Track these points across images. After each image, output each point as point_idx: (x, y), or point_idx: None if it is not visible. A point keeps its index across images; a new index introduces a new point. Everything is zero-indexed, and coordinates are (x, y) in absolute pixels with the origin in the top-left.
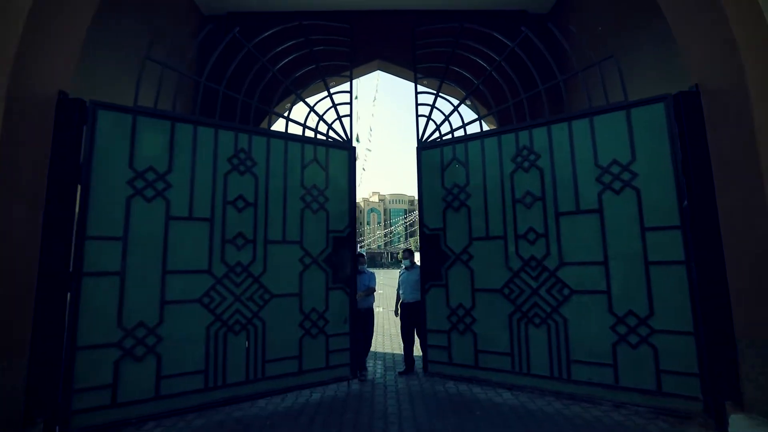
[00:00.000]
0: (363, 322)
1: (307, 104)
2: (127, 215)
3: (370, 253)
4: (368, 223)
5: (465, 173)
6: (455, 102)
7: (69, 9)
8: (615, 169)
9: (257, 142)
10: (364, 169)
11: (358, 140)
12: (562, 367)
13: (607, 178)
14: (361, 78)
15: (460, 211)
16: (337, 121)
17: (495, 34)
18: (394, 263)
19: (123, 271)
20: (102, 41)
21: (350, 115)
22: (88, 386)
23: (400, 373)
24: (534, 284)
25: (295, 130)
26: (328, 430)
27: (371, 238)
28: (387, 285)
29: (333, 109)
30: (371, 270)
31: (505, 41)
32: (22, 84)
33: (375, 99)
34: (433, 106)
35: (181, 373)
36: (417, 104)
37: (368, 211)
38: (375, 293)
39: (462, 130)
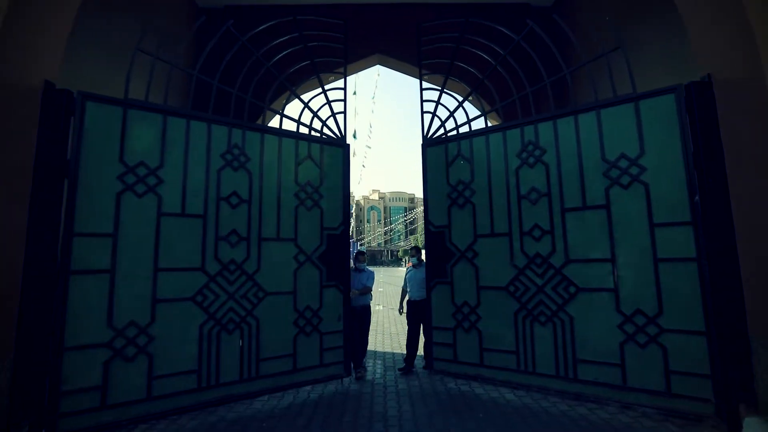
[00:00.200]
0: (359, 320)
1: (302, 100)
2: (117, 211)
3: (371, 251)
4: (368, 221)
5: (470, 169)
6: (460, 98)
7: None
8: (623, 164)
9: (251, 138)
10: (363, 166)
11: (355, 137)
12: (568, 367)
13: (614, 173)
14: (360, 73)
15: (465, 208)
16: (332, 118)
17: (500, 27)
18: (394, 261)
19: (113, 268)
20: (92, 30)
21: (344, 112)
22: (77, 388)
23: (400, 370)
24: (539, 282)
25: (289, 126)
26: None
27: (371, 236)
28: (387, 283)
29: (327, 105)
30: (371, 268)
31: (510, 35)
32: (3, 72)
33: (374, 95)
34: (438, 102)
35: (174, 373)
36: (422, 100)
37: (368, 209)
38: (377, 292)
39: (467, 126)
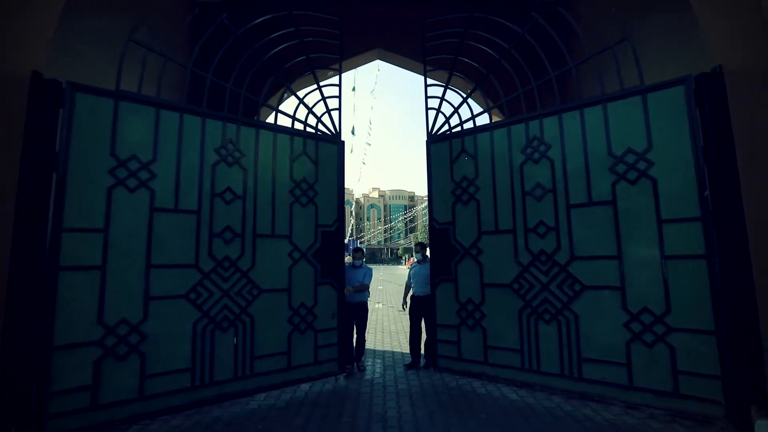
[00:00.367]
0: (356, 317)
1: (296, 96)
2: (108, 206)
3: (371, 248)
4: (368, 219)
5: (474, 166)
6: (464, 95)
7: None
8: (630, 158)
9: (246, 133)
10: (364, 163)
11: (353, 133)
12: (573, 365)
13: (621, 168)
14: (360, 69)
15: (469, 205)
16: (327, 114)
17: (504, 21)
18: (394, 259)
19: (104, 265)
20: (83, 20)
21: (339, 109)
22: (66, 388)
23: (407, 366)
24: (544, 279)
25: (285, 123)
26: None
27: (371, 234)
28: (387, 281)
29: (323, 102)
30: (371, 266)
31: (515, 28)
32: None
33: (374, 91)
34: (442, 99)
35: (167, 371)
36: (426, 97)
37: (368, 206)
38: (377, 289)
39: (471, 122)
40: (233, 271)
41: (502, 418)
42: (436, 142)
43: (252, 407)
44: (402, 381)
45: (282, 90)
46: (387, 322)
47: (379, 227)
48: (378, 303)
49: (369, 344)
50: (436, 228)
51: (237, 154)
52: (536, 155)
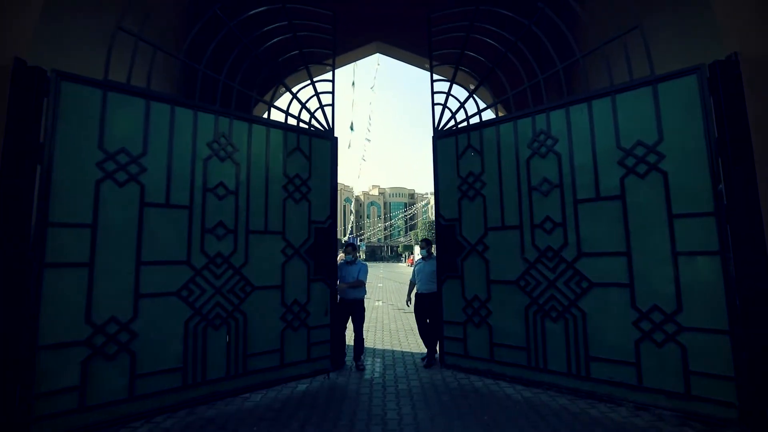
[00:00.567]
0: (351, 314)
1: (290, 91)
2: (96, 200)
3: (371, 246)
4: (368, 217)
5: (480, 161)
6: (470, 89)
7: None
8: (639, 151)
9: (238, 128)
10: (363, 159)
11: (352, 128)
12: (580, 364)
13: (630, 161)
14: (360, 64)
15: (475, 201)
16: (320, 110)
17: (510, 14)
18: (394, 257)
19: (92, 261)
20: (71, 6)
21: (332, 105)
22: (52, 389)
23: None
24: (551, 276)
25: (278, 118)
26: None
27: (371, 231)
28: (387, 279)
29: (316, 97)
30: (370, 264)
31: (521, 20)
32: None
33: (373, 87)
34: (448, 94)
35: (158, 371)
36: (433, 92)
37: (368, 204)
38: (377, 287)
39: (478, 118)
40: (226, 267)
41: (507, 421)
42: (442, 137)
43: (247, 407)
44: (402, 381)
45: (276, 85)
46: (387, 320)
47: (379, 225)
48: (378, 301)
49: (369, 343)
50: (442, 224)
51: (230, 149)
52: (543, 149)
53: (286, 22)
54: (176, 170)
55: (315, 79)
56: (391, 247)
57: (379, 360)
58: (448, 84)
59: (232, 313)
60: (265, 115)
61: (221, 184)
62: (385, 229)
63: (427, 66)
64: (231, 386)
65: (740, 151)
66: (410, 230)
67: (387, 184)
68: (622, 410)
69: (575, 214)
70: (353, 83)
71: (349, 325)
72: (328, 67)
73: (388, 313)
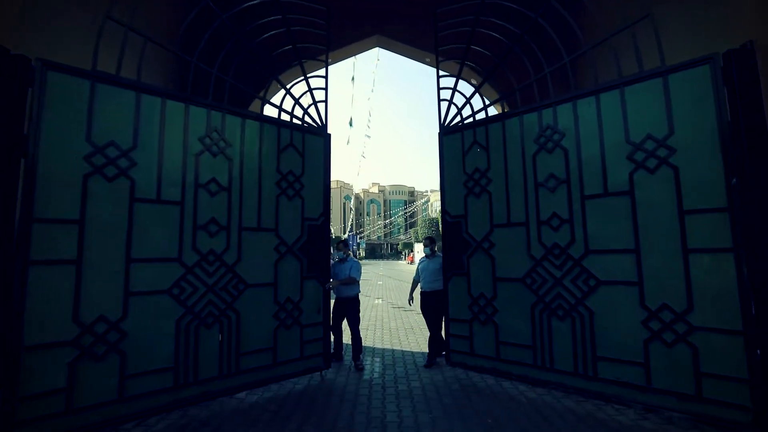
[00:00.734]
0: (345, 312)
1: (283, 86)
2: (83, 195)
3: (371, 244)
4: (368, 214)
5: (486, 157)
6: (476, 85)
7: None
8: (649, 145)
9: (231, 122)
10: (363, 156)
11: (351, 124)
12: (587, 364)
13: (639, 156)
14: (359, 57)
15: (481, 197)
16: (313, 107)
17: (516, 6)
18: (394, 254)
19: (79, 258)
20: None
21: (325, 101)
22: (37, 392)
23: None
24: (558, 274)
25: (271, 114)
26: None
27: (371, 229)
28: (387, 276)
29: (309, 93)
30: (370, 261)
31: (528, 13)
32: None
33: (374, 82)
34: (454, 89)
35: (149, 371)
36: (439, 88)
37: (368, 202)
38: (376, 285)
39: (484, 113)
40: (218, 265)
41: (510, 423)
42: (448, 134)
43: (243, 408)
44: (402, 381)
45: (269, 81)
46: (387, 319)
47: (379, 222)
48: (378, 299)
49: (368, 342)
50: (448, 221)
51: (222, 144)
52: (549, 145)
53: (279, 16)
54: (167, 165)
55: (309, 75)
56: (391, 245)
57: (378, 359)
58: (454, 80)
59: (225, 311)
60: (259, 111)
61: (213, 180)
62: (385, 226)
63: (428, 60)
64: (224, 386)
65: (755, 143)
66: (410, 228)
67: (387, 181)
68: (630, 413)
69: (582, 210)
70: (353, 78)
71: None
72: (323, 63)
73: (388, 311)
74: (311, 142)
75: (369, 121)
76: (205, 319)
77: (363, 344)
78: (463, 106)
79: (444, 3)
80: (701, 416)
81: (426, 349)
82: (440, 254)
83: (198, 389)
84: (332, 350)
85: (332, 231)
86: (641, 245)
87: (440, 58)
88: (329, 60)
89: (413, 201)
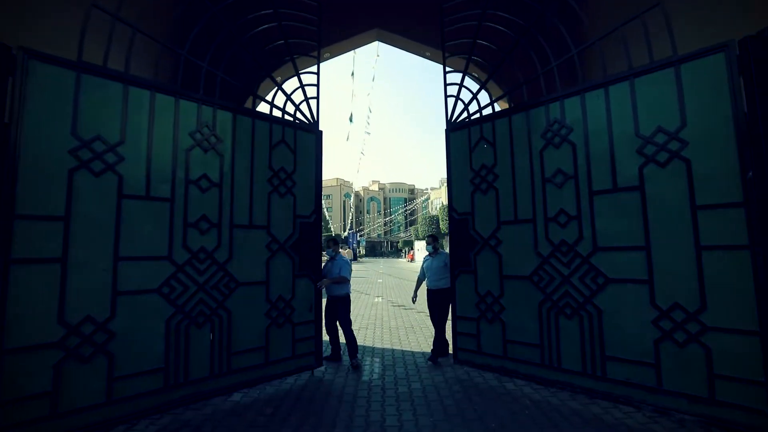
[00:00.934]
0: (335, 311)
1: (274, 81)
2: (69, 191)
3: (371, 241)
4: (368, 212)
5: (493, 153)
6: (481, 82)
7: None
8: (660, 138)
9: (222, 118)
10: (362, 153)
11: (351, 120)
12: (596, 364)
13: (650, 150)
14: (358, 53)
15: (488, 194)
16: (305, 103)
17: None
18: (394, 252)
19: (64, 257)
20: None
21: (317, 98)
22: (20, 396)
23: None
24: (565, 271)
25: (263, 110)
26: None
27: (371, 226)
28: (387, 274)
29: (301, 89)
30: (372, 259)
31: (534, 5)
32: None
33: (374, 78)
34: (461, 85)
35: (138, 372)
36: (446, 84)
37: (368, 199)
38: (376, 283)
39: (490, 109)
40: (209, 263)
41: (514, 426)
42: (455, 130)
43: (237, 411)
44: (402, 383)
45: (261, 76)
46: (387, 318)
47: (379, 220)
48: (378, 297)
49: (368, 341)
50: (455, 219)
51: (213, 140)
52: (557, 139)
53: (271, 11)
54: (157, 161)
55: (301, 71)
56: (391, 243)
57: (378, 360)
58: (461, 76)
59: (216, 310)
60: (252, 107)
61: (204, 176)
62: (385, 224)
63: (428, 54)
64: (215, 386)
65: None
66: (410, 225)
67: (387, 179)
68: (639, 416)
69: (591, 206)
70: (353, 73)
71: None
72: (316, 60)
73: (388, 309)
74: (303, 138)
75: (369, 117)
76: (196, 319)
77: (363, 344)
78: (470, 101)
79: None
80: (714, 420)
81: (427, 349)
82: (443, 251)
83: (189, 390)
84: (331, 352)
85: (332, 229)
86: (652, 242)
87: (447, 54)
88: (327, 55)
89: (413, 199)
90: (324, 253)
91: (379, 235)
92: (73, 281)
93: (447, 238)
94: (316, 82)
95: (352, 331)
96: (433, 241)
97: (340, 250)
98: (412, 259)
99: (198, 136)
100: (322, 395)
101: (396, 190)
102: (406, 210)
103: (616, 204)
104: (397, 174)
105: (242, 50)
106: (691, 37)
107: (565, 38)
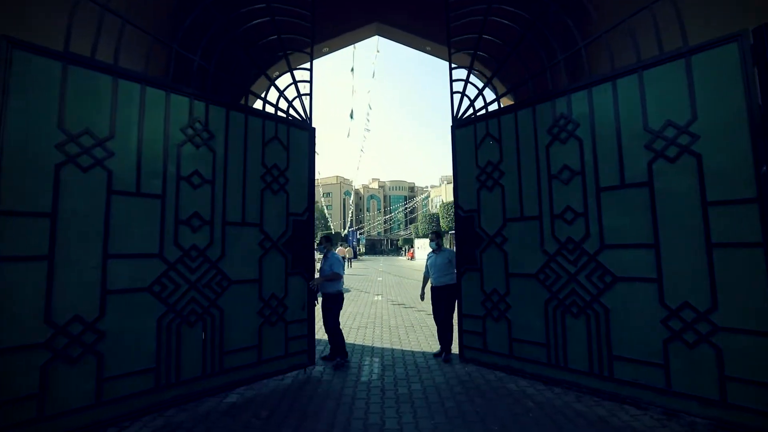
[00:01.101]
0: (325, 308)
1: (267, 77)
2: (56, 186)
3: (371, 239)
4: (368, 210)
5: (498, 149)
6: (486, 78)
7: None
8: (669, 133)
9: (215, 113)
10: (362, 151)
11: (352, 117)
12: (603, 363)
13: (659, 144)
14: (358, 45)
15: (494, 191)
16: (298, 99)
17: None
18: (394, 250)
19: (51, 254)
20: None
21: (310, 94)
22: (5, 399)
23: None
24: (572, 269)
25: (256, 106)
26: None
27: (371, 225)
28: (387, 272)
29: (294, 86)
30: (372, 257)
31: None
32: None
33: (374, 74)
34: (466, 81)
35: (128, 373)
36: (451, 80)
37: (368, 197)
38: (376, 281)
39: (496, 105)
40: (201, 261)
41: (517, 428)
42: (461, 126)
43: (232, 413)
44: (402, 384)
45: (253, 71)
46: (386, 316)
47: (379, 218)
48: (378, 295)
49: (367, 341)
50: (461, 216)
51: (205, 135)
52: (563, 135)
53: (264, 5)
54: (147, 156)
55: (294, 68)
56: (391, 241)
57: (377, 360)
58: (466, 72)
59: (208, 308)
60: (245, 103)
61: (196, 172)
62: (385, 222)
63: (428, 48)
64: (208, 385)
65: None
66: (410, 223)
67: (387, 177)
68: (646, 418)
69: (598, 203)
70: (352, 69)
71: (350, 324)
72: (308, 56)
73: (388, 308)
74: (296, 135)
75: (368, 114)
76: (188, 317)
77: (362, 343)
78: (476, 97)
79: None
80: (727, 423)
81: (427, 349)
82: (446, 248)
83: (181, 390)
84: (329, 353)
85: (332, 227)
86: (661, 239)
87: (451, 50)
88: (326, 49)
89: (413, 196)
90: (317, 250)
91: (379, 233)
92: (61, 280)
93: (448, 236)
94: (309, 79)
95: (340, 329)
96: (436, 237)
97: (340, 247)
98: (412, 257)
99: (190, 131)
100: (320, 396)
101: (396, 188)
102: (406, 208)
103: (624, 200)
104: (397, 172)
105: (235, 45)
106: (698, 30)
107: (570, 33)
